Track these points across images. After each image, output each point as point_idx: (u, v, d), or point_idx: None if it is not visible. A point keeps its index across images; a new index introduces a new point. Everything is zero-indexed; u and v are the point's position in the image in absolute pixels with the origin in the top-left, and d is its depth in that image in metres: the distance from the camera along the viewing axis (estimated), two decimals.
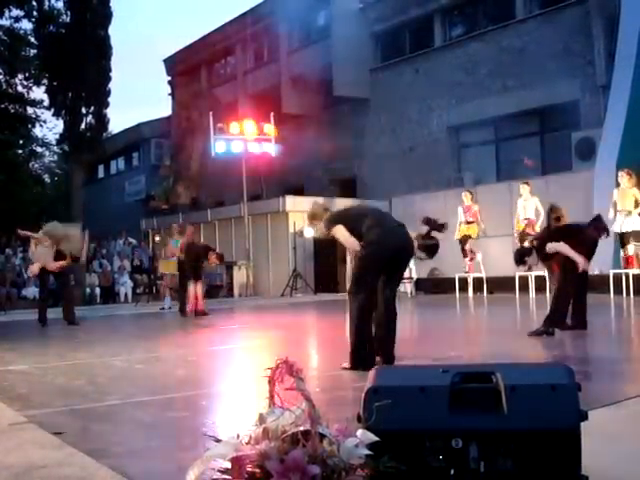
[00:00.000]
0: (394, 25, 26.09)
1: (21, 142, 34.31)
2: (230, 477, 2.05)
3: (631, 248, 14.18)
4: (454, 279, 17.31)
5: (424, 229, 6.57)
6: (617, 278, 14.47)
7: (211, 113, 22.49)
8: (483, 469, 2.36)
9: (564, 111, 20.58)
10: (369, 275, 5.95)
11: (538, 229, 15.60)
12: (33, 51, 28.36)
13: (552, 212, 8.96)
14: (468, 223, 16.37)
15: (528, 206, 15.64)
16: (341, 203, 23.39)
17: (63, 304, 12.89)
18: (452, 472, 2.38)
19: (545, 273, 15.69)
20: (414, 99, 24.24)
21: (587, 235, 8.36)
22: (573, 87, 20.14)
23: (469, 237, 16.53)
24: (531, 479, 2.37)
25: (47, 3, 24.64)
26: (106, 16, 23.62)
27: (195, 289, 13.81)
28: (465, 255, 16.66)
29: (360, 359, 5.83)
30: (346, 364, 5.98)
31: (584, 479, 2.38)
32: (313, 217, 6.46)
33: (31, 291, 21.21)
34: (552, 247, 8.14)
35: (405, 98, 24.52)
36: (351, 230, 6.01)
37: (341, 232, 6.01)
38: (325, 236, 6.42)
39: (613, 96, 18.23)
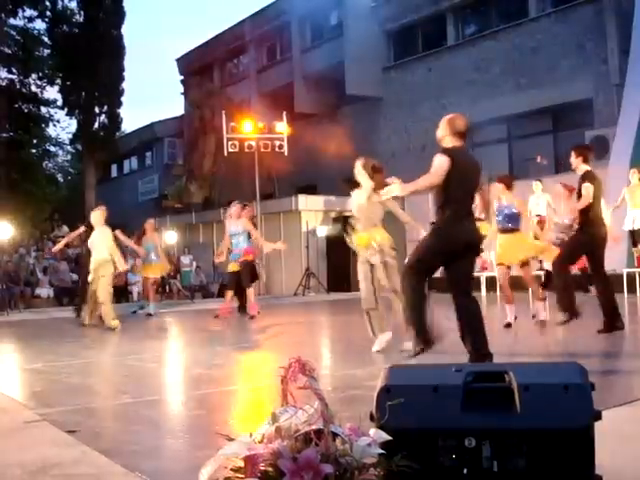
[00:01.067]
0: (407, 24, 26.07)
1: (35, 141, 34.41)
2: (243, 476, 2.06)
3: None
4: None
5: None
6: (630, 277, 14.41)
7: (224, 112, 22.51)
8: (496, 468, 2.36)
9: (577, 109, 20.52)
10: (428, 261, 5.90)
11: (551, 226, 15.55)
12: (47, 51, 28.43)
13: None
14: (478, 220, 16.31)
15: (540, 203, 15.59)
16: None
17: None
18: (465, 471, 2.38)
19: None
20: (427, 98, 24.19)
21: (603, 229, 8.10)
22: (587, 85, 20.06)
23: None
24: (544, 479, 2.37)
25: (60, 3, 24.79)
26: (119, 15, 23.72)
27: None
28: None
29: (421, 340, 5.83)
30: (408, 346, 5.96)
31: (598, 479, 2.38)
32: (448, 122, 5.90)
33: (45, 291, 21.33)
34: (585, 186, 7.72)
35: (418, 97, 24.50)
36: (447, 176, 5.65)
37: (440, 164, 5.63)
38: (440, 141, 5.95)
39: (627, 94, 18.14)
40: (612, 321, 7.78)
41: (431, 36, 25.65)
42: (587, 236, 7.95)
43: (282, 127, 22.30)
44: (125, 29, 23.72)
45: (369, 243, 7.18)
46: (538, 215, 15.60)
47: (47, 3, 25.79)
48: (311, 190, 25.38)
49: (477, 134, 24.03)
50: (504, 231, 9.43)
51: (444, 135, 5.90)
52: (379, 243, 7.19)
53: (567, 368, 2.60)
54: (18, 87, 30.08)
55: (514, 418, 2.37)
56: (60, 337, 11.41)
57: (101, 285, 11.11)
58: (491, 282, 16.98)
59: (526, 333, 9.07)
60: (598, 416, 2.40)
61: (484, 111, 22.18)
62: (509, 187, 9.41)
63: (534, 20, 22.04)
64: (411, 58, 25.88)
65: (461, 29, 25.10)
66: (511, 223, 9.41)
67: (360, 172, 7.27)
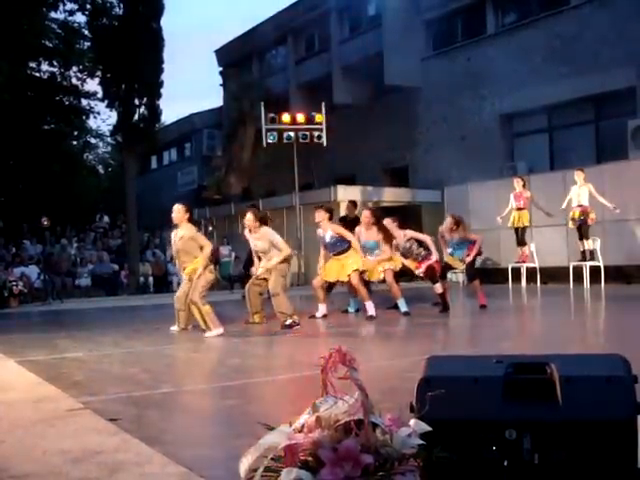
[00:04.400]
0: (446, 13, 25.86)
1: (75, 133, 34.79)
2: (283, 465, 2.06)
3: None
4: (507, 269, 17.14)
5: None
6: None
7: (262, 103, 22.55)
8: (537, 461, 2.34)
9: (620, 98, 20.22)
10: None
11: (593, 216, 15.37)
12: (87, 44, 28.69)
13: None
14: (519, 210, 16.14)
15: (582, 193, 15.41)
16: (393, 193, 23.35)
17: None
18: (505, 463, 2.36)
19: (601, 263, 15.48)
20: (466, 87, 23.98)
21: None
22: (629, 74, 19.73)
23: (524, 228, 16.29)
24: (586, 471, 2.35)
25: None
26: (158, 8, 23.79)
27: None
28: (519, 244, 16.44)
29: None
30: None
31: None
32: None
33: (84, 281, 21.60)
34: None
35: (457, 86, 24.29)
36: None
37: None
38: None
39: None
40: None
41: (470, 25, 25.41)
42: None
43: (321, 118, 22.28)
44: (164, 21, 23.71)
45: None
46: (580, 205, 15.44)
47: None
48: (349, 181, 25.33)
49: (517, 124, 23.84)
50: None
51: None
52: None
53: (609, 360, 2.57)
54: (59, 80, 30.43)
55: (555, 410, 2.35)
56: (102, 327, 11.56)
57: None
58: (531, 274, 16.86)
59: (567, 326, 8.97)
60: None
61: (524, 100, 21.96)
62: None
63: (575, 7, 21.72)
64: (450, 48, 25.66)
65: (501, 18, 24.82)
66: None
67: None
